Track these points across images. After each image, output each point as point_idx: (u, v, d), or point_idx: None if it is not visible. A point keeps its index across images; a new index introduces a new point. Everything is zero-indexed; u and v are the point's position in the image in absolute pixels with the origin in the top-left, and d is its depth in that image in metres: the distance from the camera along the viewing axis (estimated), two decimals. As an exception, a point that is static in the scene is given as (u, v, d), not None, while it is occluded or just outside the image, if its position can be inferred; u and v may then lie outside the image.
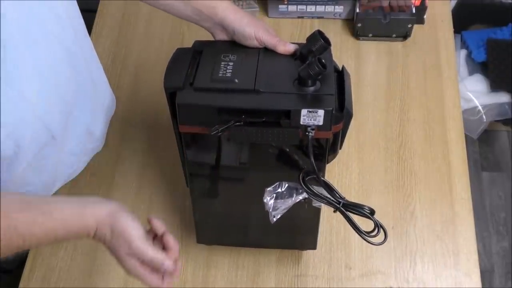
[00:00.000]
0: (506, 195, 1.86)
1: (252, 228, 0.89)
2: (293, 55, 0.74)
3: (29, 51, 0.63)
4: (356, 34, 1.15)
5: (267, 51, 0.74)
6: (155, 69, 1.13)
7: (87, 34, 0.81)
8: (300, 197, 0.72)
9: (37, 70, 0.65)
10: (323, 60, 0.66)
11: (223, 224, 0.90)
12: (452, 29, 1.18)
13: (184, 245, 0.94)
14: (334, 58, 1.13)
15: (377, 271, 0.92)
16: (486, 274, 1.71)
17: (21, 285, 0.92)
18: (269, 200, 0.72)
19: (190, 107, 0.68)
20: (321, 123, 0.66)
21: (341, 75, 0.74)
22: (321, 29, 0.73)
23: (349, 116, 0.71)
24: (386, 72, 1.12)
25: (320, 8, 1.16)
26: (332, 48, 1.16)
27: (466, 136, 1.05)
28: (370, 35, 1.15)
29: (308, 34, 1.16)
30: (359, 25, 1.13)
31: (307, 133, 0.66)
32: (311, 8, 1.17)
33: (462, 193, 0.98)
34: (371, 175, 1.00)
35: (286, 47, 0.74)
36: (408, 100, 1.08)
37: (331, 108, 0.65)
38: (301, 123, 0.66)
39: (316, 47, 0.70)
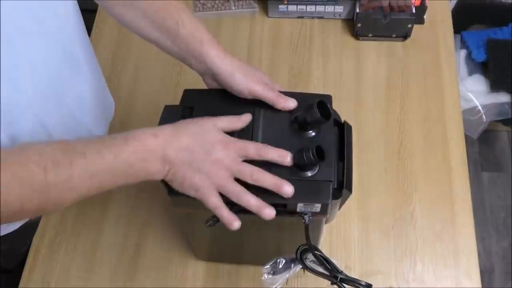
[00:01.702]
0: (506, 195, 1.86)
1: (249, 252, 0.89)
2: (292, 111, 0.68)
3: (26, 48, 0.63)
4: (356, 34, 1.15)
5: (261, 111, 0.68)
6: (155, 69, 1.13)
7: (87, 35, 0.81)
8: (298, 269, 0.71)
9: (34, 67, 0.65)
10: (322, 147, 0.61)
11: (221, 251, 0.90)
12: (452, 29, 1.18)
13: (184, 244, 0.94)
14: (334, 58, 1.14)
15: (377, 271, 0.92)
16: (486, 274, 1.71)
17: (21, 285, 0.92)
18: (266, 277, 0.71)
19: (183, 198, 0.64)
20: (318, 210, 0.64)
21: (341, 128, 0.70)
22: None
23: (349, 191, 0.66)
24: (386, 72, 1.12)
25: (320, 8, 1.16)
26: (332, 48, 1.17)
27: (466, 136, 1.05)
28: (370, 35, 1.15)
29: (308, 34, 1.18)
30: (359, 25, 1.13)
31: (303, 221, 0.64)
32: (311, 8, 1.17)
33: (462, 193, 0.98)
34: (371, 175, 1.00)
35: (285, 104, 0.67)
36: (408, 100, 1.08)
37: (328, 202, 0.63)
38: (297, 211, 0.64)
39: (312, 119, 0.64)
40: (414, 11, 1.11)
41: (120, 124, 1.06)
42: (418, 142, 1.03)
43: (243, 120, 0.66)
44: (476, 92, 1.67)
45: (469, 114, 1.67)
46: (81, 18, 0.76)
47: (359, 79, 1.11)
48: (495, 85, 1.66)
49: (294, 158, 0.63)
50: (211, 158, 0.61)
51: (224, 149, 0.61)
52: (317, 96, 0.69)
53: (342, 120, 0.71)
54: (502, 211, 1.84)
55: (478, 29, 1.77)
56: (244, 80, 0.68)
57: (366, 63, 1.14)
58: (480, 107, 1.66)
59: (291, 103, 0.68)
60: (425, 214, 0.96)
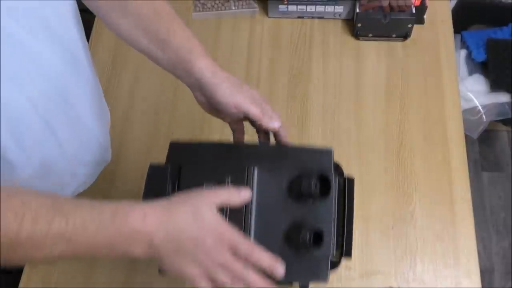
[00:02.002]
0: (506, 195, 1.86)
1: None
2: (289, 171, 0.63)
3: (31, 48, 0.63)
4: (356, 34, 1.15)
5: (256, 170, 0.63)
6: (155, 68, 1.12)
7: (85, 37, 0.80)
8: None
9: (39, 68, 0.65)
10: (321, 229, 0.58)
11: None
12: (452, 29, 1.18)
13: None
14: (334, 58, 1.14)
15: (377, 271, 0.92)
16: (486, 274, 1.71)
17: (21, 285, 0.92)
18: None
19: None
20: (317, 282, 0.62)
21: (343, 181, 0.66)
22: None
23: (349, 257, 0.64)
24: (386, 72, 1.12)
25: (320, 8, 1.16)
26: (332, 48, 1.17)
27: (466, 136, 1.05)
28: (370, 35, 1.15)
29: (308, 34, 1.18)
30: (359, 25, 1.13)
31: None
32: (311, 8, 1.17)
33: (462, 193, 0.98)
34: (371, 175, 1.00)
35: (269, 124, 0.65)
36: (408, 100, 1.08)
37: (326, 279, 0.60)
38: (294, 284, 0.62)
39: (310, 193, 0.61)
40: (414, 11, 1.11)
41: (121, 124, 1.06)
42: (418, 142, 1.03)
43: (242, 197, 0.61)
44: (476, 92, 1.67)
45: (469, 114, 1.67)
46: (80, 20, 0.76)
47: (359, 79, 1.11)
48: (495, 85, 1.66)
49: (289, 238, 0.59)
50: (201, 249, 0.57)
51: (216, 242, 0.58)
52: (316, 150, 0.64)
53: (344, 168, 0.69)
54: (502, 211, 1.84)
55: (478, 29, 1.77)
56: (230, 92, 0.65)
57: (366, 63, 1.14)
58: (480, 107, 1.66)
59: (276, 124, 0.66)
60: (425, 214, 0.96)
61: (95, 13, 0.75)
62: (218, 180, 0.61)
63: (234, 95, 0.66)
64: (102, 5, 0.72)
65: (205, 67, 0.67)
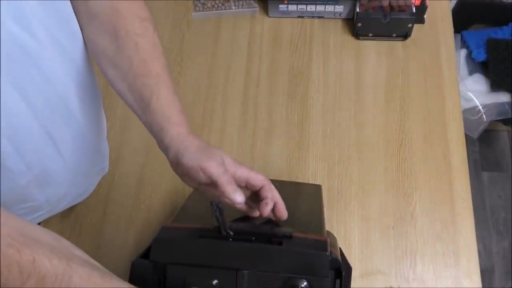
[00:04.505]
0: (506, 195, 1.86)
1: None
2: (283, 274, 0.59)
3: (42, 60, 0.62)
4: (356, 33, 1.15)
5: (245, 275, 0.59)
6: (155, 69, 1.13)
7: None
8: None
9: (47, 81, 0.64)
10: None
11: None
12: (452, 29, 1.18)
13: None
14: (334, 58, 1.14)
15: (377, 271, 0.92)
16: (486, 274, 1.71)
17: (21, 285, 0.92)
18: None
19: None
20: None
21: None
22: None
23: None
24: (386, 72, 1.12)
25: (320, 8, 1.16)
26: (332, 48, 1.17)
27: (466, 136, 1.05)
28: (370, 35, 1.15)
29: (308, 34, 1.18)
30: (359, 25, 1.13)
31: None
32: (311, 8, 1.17)
33: (462, 193, 0.98)
34: (371, 175, 1.00)
35: (231, 196, 0.62)
36: (408, 100, 1.08)
37: None
38: None
39: None
40: (414, 10, 1.11)
41: (120, 123, 1.06)
42: (418, 142, 1.03)
43: None
44: (476, 92, 1.67)
45: (469, 114, 1.67)
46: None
47: (359, 79, 1.11)
48: (495, 85, 1.66)
49: None
50: None
51: None
52: (311, 254, 0.61)
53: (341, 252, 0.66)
54: (502, 211, 1.84)
55: (478, 29, 1.77)
56: (196, 156, 0.64)
57: (366, 62, 1.14)
58: (480, 107, 1.66)
59: (238, 198, 0.63)
60: (425, 214, 0.96)
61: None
62: (205, 285, 0.58)
63: (200, 158, 0.64)
64: (93, 52, 0.71)
65: (176, 136, 0.66)
